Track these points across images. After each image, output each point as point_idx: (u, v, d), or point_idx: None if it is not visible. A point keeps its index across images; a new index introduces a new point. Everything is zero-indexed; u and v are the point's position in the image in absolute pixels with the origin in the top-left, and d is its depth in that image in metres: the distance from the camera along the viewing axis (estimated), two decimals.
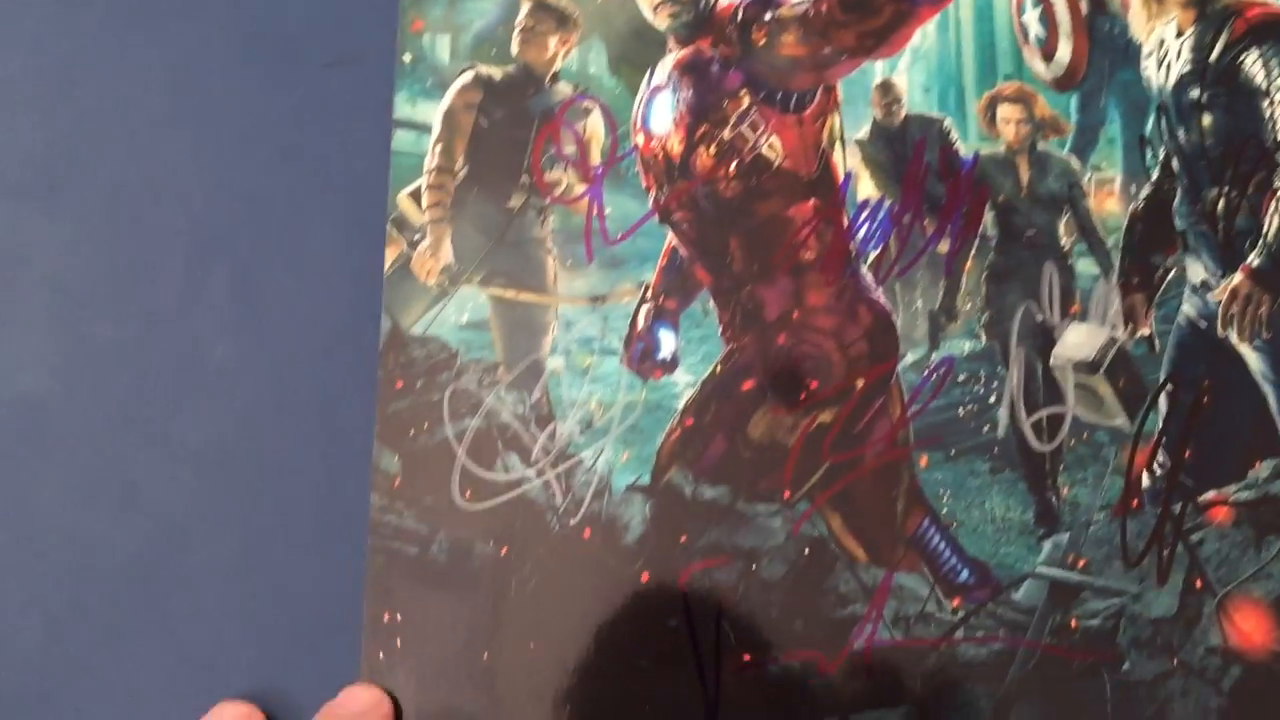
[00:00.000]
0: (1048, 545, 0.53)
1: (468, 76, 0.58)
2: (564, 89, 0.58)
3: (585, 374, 0.55)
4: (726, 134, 0.57)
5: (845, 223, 0.57)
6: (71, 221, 0.57)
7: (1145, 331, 0.56)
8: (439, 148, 0.57)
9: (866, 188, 0.57)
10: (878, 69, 0.58)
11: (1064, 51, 0.59)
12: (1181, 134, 0.57)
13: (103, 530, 0.55)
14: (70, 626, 0.54)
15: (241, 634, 0.54)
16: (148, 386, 0.56)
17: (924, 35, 0.58)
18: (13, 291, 0.57)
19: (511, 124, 0.58)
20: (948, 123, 0.58)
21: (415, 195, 0.57)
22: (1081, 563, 0.53)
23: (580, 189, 0.57)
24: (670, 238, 0.57)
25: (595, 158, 0.58)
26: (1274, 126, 0.56)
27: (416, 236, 0.57)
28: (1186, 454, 0.54)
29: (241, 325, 0.56)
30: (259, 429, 0.55)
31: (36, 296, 0.57)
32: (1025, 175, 0.58)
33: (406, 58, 0.58)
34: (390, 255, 0.56)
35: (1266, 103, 0.57)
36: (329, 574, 0.54)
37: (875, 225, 0.56)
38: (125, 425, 0.56)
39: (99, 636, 0.54)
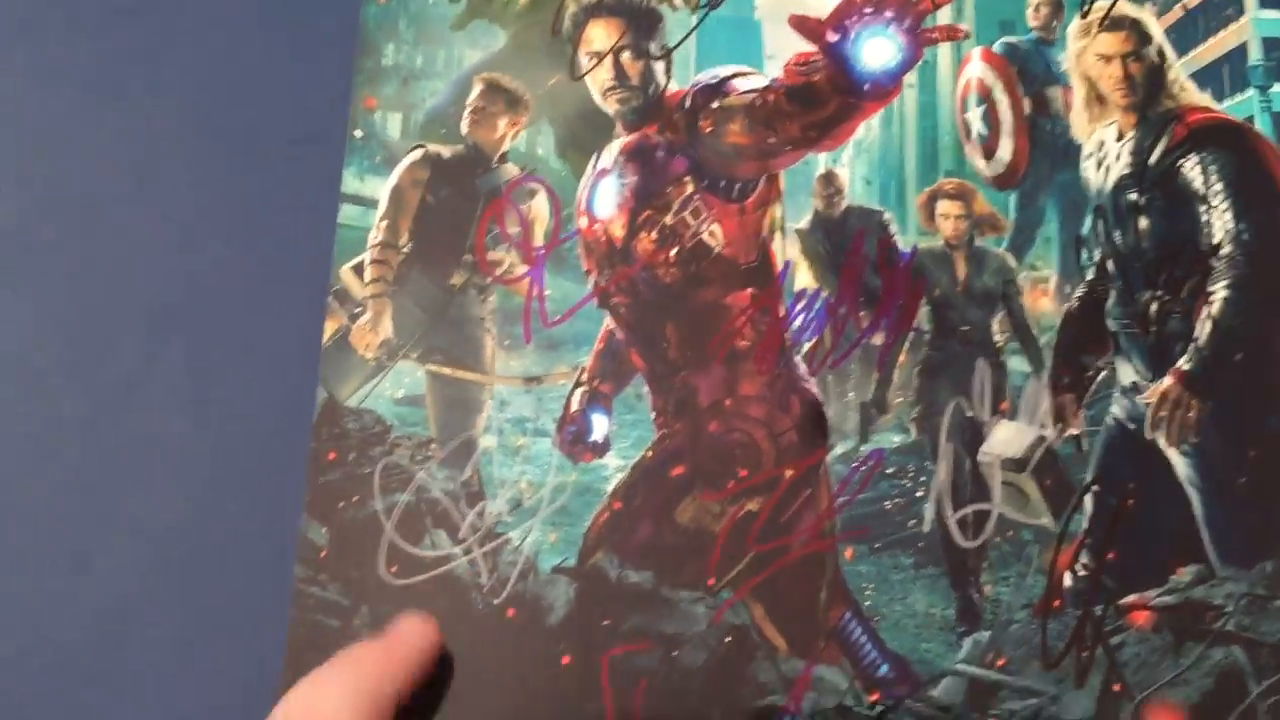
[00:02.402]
0: (968, 643, 0.54)
1: (417, 154, 0.59)
2: (511, 169, 0.59)
3: (517, 454, 0.56)
4: (669, 220, 0.57)
5: (781, 312, 0.57)
6: (31, 297, 0.58)
7: (1074, 431, 0.56)
8: (384, 223, 0.58)
9: (804, 278, 0.58)
10: (821, 160, 0.59)
11: (1005, 150, 0.60)
12: (1118, 236, 0.58)
13: (51, 603, 0.55)
14: (15, 697, 0.54)
15: (180, 705, 0.54)
16: (102, 462, 0.56)
17: (868, 128, 0.59)
18: None
19: (457, 202, 0.59)
20: (887, 215, 0.59)
21: (358, 269, 0.58)
22: (1001, 661, 0.53)
23: (522, 269, 0.58)
24: (608, 321, 0.57)
25: (538, 239, 0.58)
26: (1209, 232, 0.57)
27: (357, 310, 0.58)
28: (1110, 556, 0.54)
29: (196, 399, 0.57)
30: (207, 502, 0.56)
31: None
32: (962, 271, 0.59)
33: (357, 134, 0.59)
34: (329, 328, 0.57)
35: (1203, 208, 0.57)
36: (258, 646, 0.54)
37: (811, 316, 0.57)
38: (78, 499, 0.56)
39: (44, 707, 0.54)
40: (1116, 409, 0.57)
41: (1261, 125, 0.59)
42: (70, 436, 0.57)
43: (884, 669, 0.53)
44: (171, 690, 0.54)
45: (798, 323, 0.57)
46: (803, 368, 0.57)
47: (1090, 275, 0.58)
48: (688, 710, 0.52)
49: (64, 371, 0.57)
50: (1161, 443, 0.56)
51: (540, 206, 0.59)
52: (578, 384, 0.57)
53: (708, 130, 0.58)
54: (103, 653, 0.55)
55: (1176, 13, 0.60)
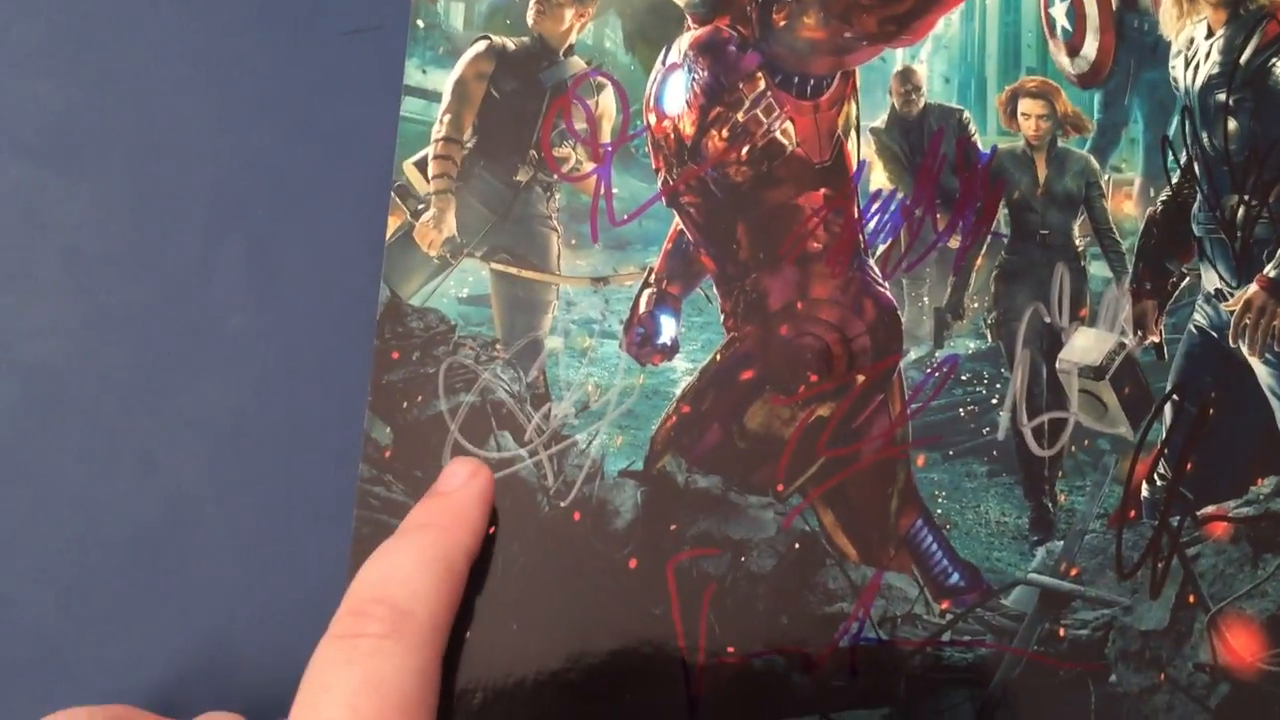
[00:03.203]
0: (1041, 552, 0.53)
1: (481, 45, 0.57)
2: (578, 63, 0.57)
3: (584, 355, 0.55)
4: (740, 117, 0.56)
5: (856, 213, 0.56)
6: (89, 186, 0.57)
7: (1154, 339, 0.55)
8: (448, 117, 0.57)
9: (879, 178, 0.56)
10: (898, 56, 0.57)
11: (1090, 47, 0.57)
12: (1205, 138, 0.56)
13: (114, 498, 0.55)
14: (80, 594, 0.54)
15: (244, 602, 0.54)
16: (163, 355, 0.56)
17: (948, 23, 0.57)
18: (29, 257, 0.56)
19: (523, 96, 0.57)
20: (966, 115, 0.57)
21: (421, 164, 0.56)
22: (1074, 571, 0.52)
23: (589, 167, 0.56)
24: (677, 221, 0.56)
25: (605, 135, 0.57)
26: None
27: (420, 206, 0.56)
28: (1188, 466, 0.53)
29: (257, 294, 0.56)
30: (269, 398, 0.55)
31: (53, 262, 0.56)
32: (1042, 173, 0.57)
33: (420, 23, 0.57)
34: (392, 224, 0.56)
35: None
36: (323, 544, 0.54)
37: (886, 217, 0.56)
38: (139, 393, 0.55)
39: (108, 604, 0.54)
40: (1199, 316, 0.55)
41: None
42: (128, 331, 0.56)
43: (955, 577, 0.53)
44: (235, 589, 0.54)
45: (872, 224, 0.55)
46: (877, 271, 0.55)
47: (1176, 178, 0.56)
48: (755, 616, 0.52)
49: (121, 265, 0.56)
50: (1244, 351, 0.54)
51: (607, 102, 0.57)
52: (645, 285, 0.56)
53: (781, 24, 0.56)
54: (167, 552, 0.55)
55: None
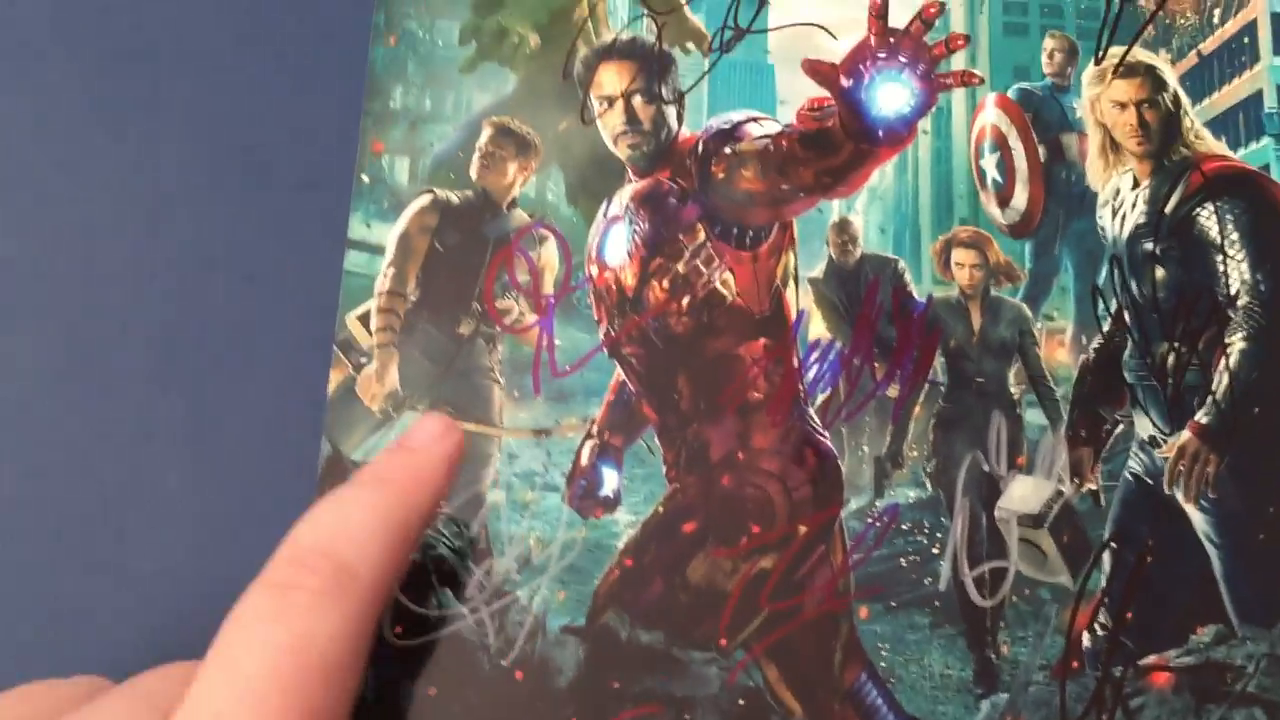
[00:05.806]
0: (986, 705, 0.53)
1: (425, 199, 0.58)
2: (521, 216, 0.58)
3: (526, 509, 0.55)
4: (681, 268, 0.56)
5: (795, 363, 0.56)
6: (23, 337, 0.57)
7: (1091, 486, 0.56)
8: (391, 270, 0.57)
9: (818, 328, 0.57)
10: (835, 207, 0.58)
11: (1020, 198, 0.59)
12: (1134, 286, 0.57)
13: (49, 660, 0.53)
14: None
15: None
16: (97, 513, 0.55)
17: (882, 175, 0.58)
18: None
19: (466, 249, 0.58)
20: (902, 264, 0.58)
21: (364, 318, 0.57)
22: None
23: (531, 318, 0.57)
24: (618, 372, 0.56)
25: (548, 287, 0.57)
26: (1226, 282, 0.56)
27: (362, 360, 0.56)
28: (1128, 615, 0.53)
29: (195, 450, 0.55)
30: (207, 559, 0.54)
31: None
32: (977, 321, 0.58)
33: (364, 178, 0.58)
34: (335, 378, 0.56)
35: (1220, 257, 0.57)
36: None
37: (825, 367, 0.56)
38: (69, 552, 0.55)
39: None
40: (1134, 463, 0.56)
41: (1277, 173, 0.58)
42: (60, 488, 0.55)
43: None
44: None
45: (811, 374, 0.56)
46: (817, 420, 0.56)
47: (1107, 326, 0.57)
48: None
49: (55, 418, 0.56)
50: (1180, 498, 0.55)
51: (550, 254, 0.58)
52: (588, 436, 0.56)
53: (720, 176, 0.57)
54: None
55: (1191, 59, 0.59)
